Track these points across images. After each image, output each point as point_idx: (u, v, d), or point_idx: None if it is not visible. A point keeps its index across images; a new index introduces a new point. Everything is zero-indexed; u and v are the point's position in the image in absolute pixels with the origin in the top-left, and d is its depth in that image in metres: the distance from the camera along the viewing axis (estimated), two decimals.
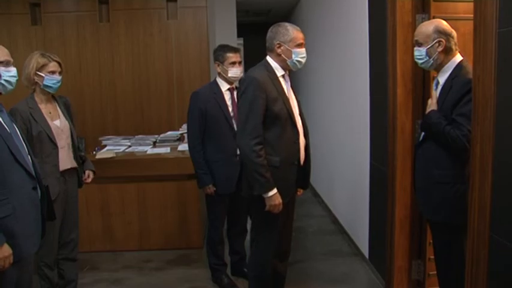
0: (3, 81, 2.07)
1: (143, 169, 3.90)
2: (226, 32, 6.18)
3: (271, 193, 2.45)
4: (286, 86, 2.58)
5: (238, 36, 6.46)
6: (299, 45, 2.52)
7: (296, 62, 2.53)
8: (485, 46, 1.79)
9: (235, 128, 3.10)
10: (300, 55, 2.52)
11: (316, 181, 5.77)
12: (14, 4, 5.27)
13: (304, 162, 2.67)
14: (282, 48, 2.52)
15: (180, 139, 4.53)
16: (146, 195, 3.97)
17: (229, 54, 3.08)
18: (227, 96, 3.15)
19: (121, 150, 4.17)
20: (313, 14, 5.61)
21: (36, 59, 2.71)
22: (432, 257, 2.86)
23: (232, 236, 3.43)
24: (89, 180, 3.03)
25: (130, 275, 3.57)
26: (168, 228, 3.99)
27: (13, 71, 2.11)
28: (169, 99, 5.49)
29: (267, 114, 2.46)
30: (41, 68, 2.70)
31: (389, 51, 2.89)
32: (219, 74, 3.17)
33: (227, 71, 3.09)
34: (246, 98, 2.46)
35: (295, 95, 2.66)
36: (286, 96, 2.55)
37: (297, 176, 2.63)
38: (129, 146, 4.34)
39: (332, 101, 4.75)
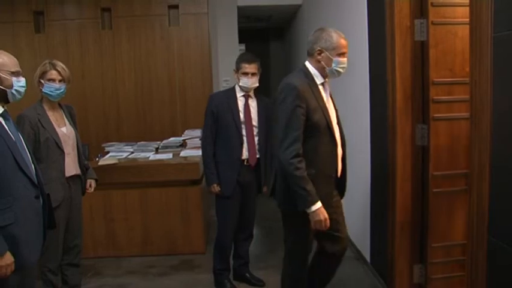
0: (13, 91, 2.11)
1: (146, 175, 3.92)
2: (228, 38, 6.21)
3: (314, 207, 2.29)
4: (325, 94, 2.46)
5: (240, 42, 6.49)
6: (341, 54, 2.37)
7: (335, 71, 2.39)
8: (481, 50, 1.81)
9: (244, 134, 3.15)
10: (340, 64, 2.38)
11: None
12: (18, 12, 5.34)
13: (341, 172, 2.56)
14: (322, 54, 2.37)
15: (183, 145, 4.55)
16: (149, 201, 3.98)
17: (243, 65, 3.12)
18: (241, 102, 3.19)
19: (124, 157, 4.19)
20: (314, 20, 5.64)
21: (40, 67, 2.78)
22: (434, 260, 2.88)
23: (238, 240, 3.43)
24: (91, 190, 3.07)
25: (134, 280, 3.58)
26: (171, 234, 4.00)
27: (22, 81, 2.16)
28: (171, 105, 5.52)
29: (306, 124, 2.33)
30: (42, 75, 2.76)
31: (388, 56, 2.91)
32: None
33: (239, 80, 3.15)
34: (286, 107, 2.31)
35: (333, 103, 2.54)
36: (326, 106, 2.41)
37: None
38: (132, 153, 4.36)
39: None
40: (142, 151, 4.38)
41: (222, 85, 5.95)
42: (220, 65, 6.10)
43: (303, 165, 2.29)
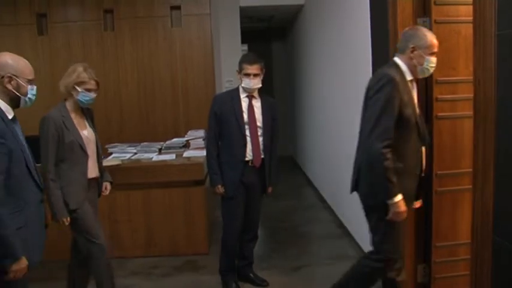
0: (27, 99, 2.14)
1: (149, 176, 3.93)
2: (231, 38, 6.21)
3: (396, 199, 2.29)
4: (414, 92, 2.46)
5: (243, 42, 6.48)
6: (433, 54, 2.39)
7: (425, 70, 2.41)
8: (485, 49, 1.81)
9: (247, 135, 3.15)
10: (431, 64, 2.39)
11: (322, 187, 5.78)
12: (21, 15, 5.36)
13: (424, 172, 2.55)
14: (415, 52, 2.38)
15: (186, 146, 4.56)
16: (152, 202, 3.99)
17: (245, 66, 3.12)
18: (244, 103, 3.19)
19: (127, 158, 4.20)
20: (316, 19, 5.64)
21: (78, 73, 2.80)
22: (438, 260, 2.87)
23: (243, 241, 3.43)
24: (107, 192, 3.08)
25: (138, 281, 3.58)
26: (175, 235, 4.01)
27: (35, 88, 2.18)
28: (174, 106, 5.53)
29: (398, 117, 2.31)
30: (80, 83, 2.77)
31: (391, 55, 2.89)
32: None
33: (242, 81, 3.15)
34: (381, 97, 2.30)
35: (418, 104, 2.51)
36: (414, 103, 2.42)
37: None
38: (135, 153, 4.37)
39: (336, 108, 4.75)
40: (146, 152, 4.39)
41: (225, 86, 5.96)
42: (223, 66, 6.11)
43: (391, 156, 2.28)
